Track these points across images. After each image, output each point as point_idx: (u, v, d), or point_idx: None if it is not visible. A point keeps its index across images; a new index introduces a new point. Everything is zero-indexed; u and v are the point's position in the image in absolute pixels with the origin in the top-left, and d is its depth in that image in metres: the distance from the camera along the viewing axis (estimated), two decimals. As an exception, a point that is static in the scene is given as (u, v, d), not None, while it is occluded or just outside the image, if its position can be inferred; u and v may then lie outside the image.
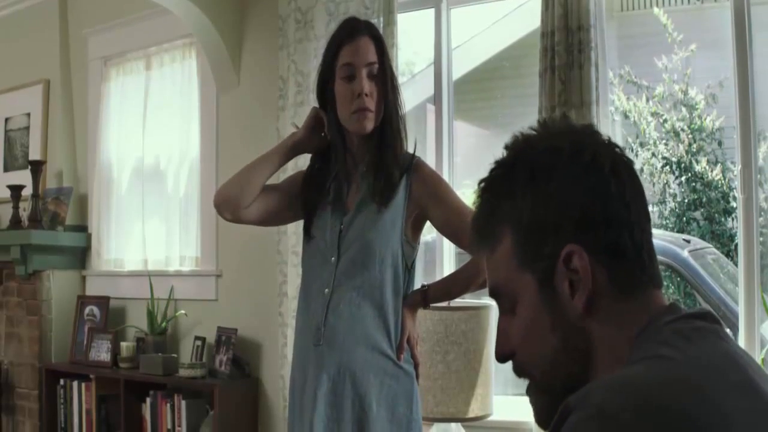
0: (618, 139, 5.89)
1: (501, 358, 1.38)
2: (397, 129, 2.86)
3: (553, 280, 1.28)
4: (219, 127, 5.21)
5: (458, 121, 4.86)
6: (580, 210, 1.27)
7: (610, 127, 3.90)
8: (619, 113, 7.20)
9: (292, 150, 2.97)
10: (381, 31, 4.23)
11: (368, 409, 2.78)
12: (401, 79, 4.89)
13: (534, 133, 1.36)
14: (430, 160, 4.45)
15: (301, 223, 4.32)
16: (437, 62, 4.53)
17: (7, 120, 6.35)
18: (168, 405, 4.92)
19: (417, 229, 2.90)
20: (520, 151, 1.36)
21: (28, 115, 6.17)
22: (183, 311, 5.28)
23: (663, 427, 1.06)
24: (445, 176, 4.45)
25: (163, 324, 5.26)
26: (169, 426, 4.91)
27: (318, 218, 2.93)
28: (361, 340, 2.80)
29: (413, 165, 2.87)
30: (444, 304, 3.35)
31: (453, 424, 3.73)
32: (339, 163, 2.90)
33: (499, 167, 1.37)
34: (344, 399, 2.79)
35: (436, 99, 4.53)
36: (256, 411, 4.89)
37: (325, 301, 2.83)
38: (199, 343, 5.07)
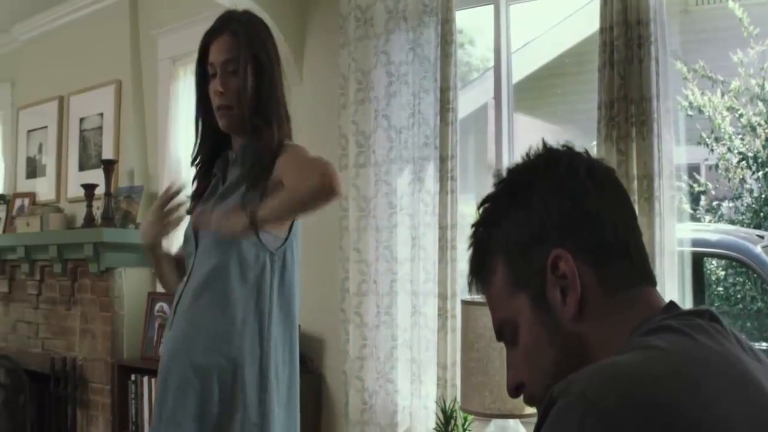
0: (691, 134, 5.82)
1: (512, 391, 1.39)
2: (251, 118, 2.86)
3: (545, 292, 1.29)
4: (283, 125, 5.23)
5: (526, 116, 4.83)
6: (560, 216, 1.30)
7: (672, 123, 3.83)
8: (694, 108, 7.10)
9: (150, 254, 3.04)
10: (439, 28, 4.25)
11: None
12: (473, 75, 4.88)
13: (515, 163, 1.39)
14: (489, 158, 4.43)
15: (361, 219, 4.36)
16: (497, 59, 4.50)
17: (81, 120, 6.49)
18: (232, 400, 4.98)
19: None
20: (501, 181, 1.40)
21: (101, 115, 6.30)
22: (249, 307, 5.32)
23: (646, 415, 1.05)
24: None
25: (230, 320, 5.30)
26: (233, 421, 4.96)
27: None
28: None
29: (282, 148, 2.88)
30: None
31: (511, 421, 3.72)
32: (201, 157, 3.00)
33: (485, 201, 1.41)
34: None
35: (496, 96, 4.50)
36: (320, 406, 4.92)
37: None
38: (264, 339, 5.11)
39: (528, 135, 4.76)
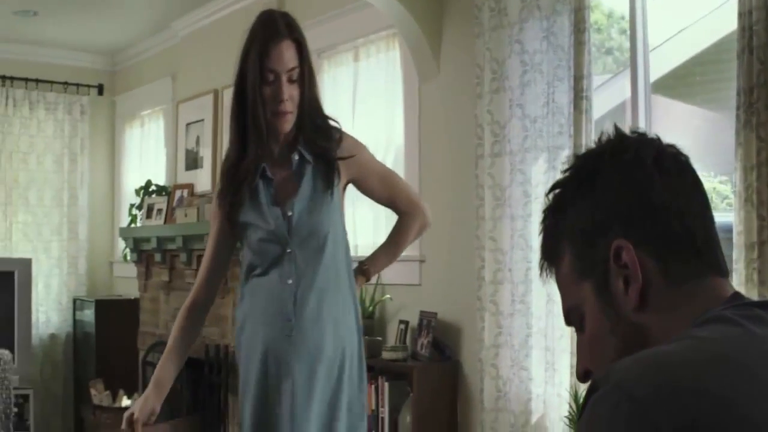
0: None
1: (580, 377, 1.40)
2: (312, 120, 3.15)
3: (608, 282, 1.29)
4: (421, 115, 5.31)
5: (666, 98, 4.74)
6: (625, 206, 1.29)
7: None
8: None
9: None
10: (572, 16, 4.23)
11: None
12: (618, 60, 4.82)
13: (586, 149, 1.39)
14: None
15: (497, 208, 4.40)
16: (632, 48, 4.40)
17: (234, 113, 6.70)
18: (372, 386, 5.07)
19: None
20: (570, 167, 1.40)
21: (252, 107, 6.48)
22: (389, 296, 5.43)
23: (677, 402, 1.05)
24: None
25: (371, 308, 5.41)
26: (374, 407, 5.05)
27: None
28: None
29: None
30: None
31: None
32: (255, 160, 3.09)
33: (555, 187, 1.42)
34: None
35: (632, 85, 4.41)
36: (456, 394, 4.97)
37: None
38: (402, 326, 5.20)
39: (670, 118, 4.66)
